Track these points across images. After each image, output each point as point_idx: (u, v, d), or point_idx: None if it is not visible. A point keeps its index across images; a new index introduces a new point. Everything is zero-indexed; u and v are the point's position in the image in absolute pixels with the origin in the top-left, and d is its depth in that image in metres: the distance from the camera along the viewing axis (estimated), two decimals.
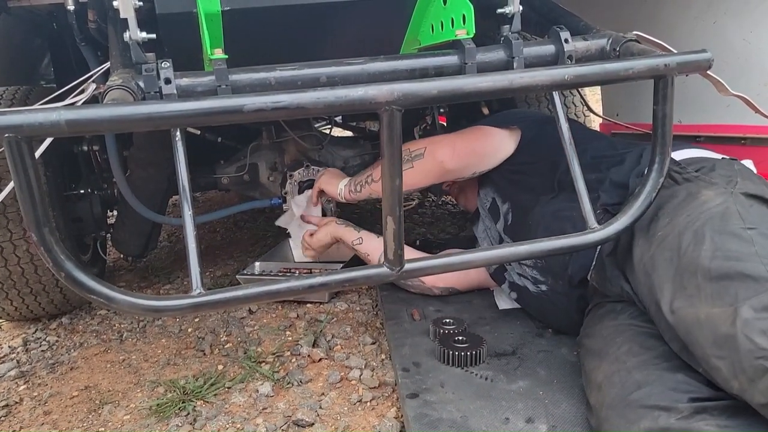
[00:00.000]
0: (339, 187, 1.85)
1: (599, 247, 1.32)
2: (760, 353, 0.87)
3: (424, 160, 1.56)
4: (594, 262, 1.36)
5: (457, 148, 1.58)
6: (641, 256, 1.17)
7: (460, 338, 1.47)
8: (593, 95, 3.73)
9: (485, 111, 2.44)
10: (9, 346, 1.86)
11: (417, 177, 1.59)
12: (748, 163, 1.35)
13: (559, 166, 1.48)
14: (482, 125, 1.65)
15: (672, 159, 1.26)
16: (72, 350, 1.80)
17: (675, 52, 1.16)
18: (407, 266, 1.06)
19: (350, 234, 1.91)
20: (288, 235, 2.23)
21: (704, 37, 1.84)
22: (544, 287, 1.51)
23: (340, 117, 2.90)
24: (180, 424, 1.36)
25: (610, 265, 1.29)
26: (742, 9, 1.76)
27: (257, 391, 1.46)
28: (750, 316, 0.90)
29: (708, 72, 1.14)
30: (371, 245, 1.85)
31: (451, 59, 1.24)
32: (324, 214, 2.10)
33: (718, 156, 1.30)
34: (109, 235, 2.21)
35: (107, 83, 1.05)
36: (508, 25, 1.27)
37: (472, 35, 1.21)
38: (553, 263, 1.45)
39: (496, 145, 1.61)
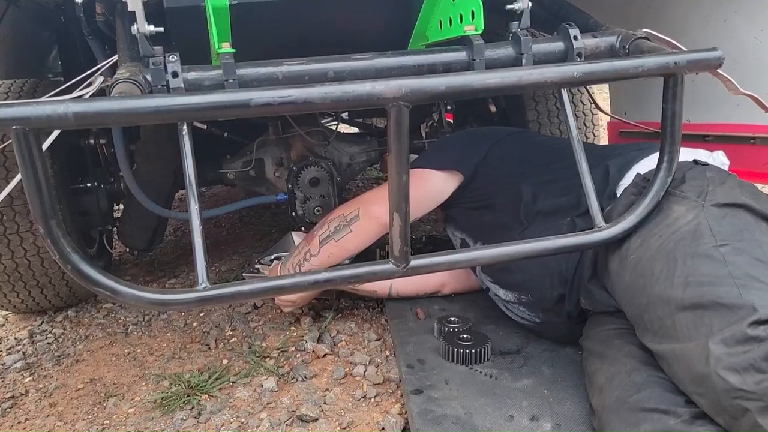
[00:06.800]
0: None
1: (582, 274, 1.30)
2: (736, 393, 0.86)
3: (361, 221, 1.53)
4: (581, 291, 1.34)
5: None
6: (618, 281, 1.16)
7: (465, 336, 1.47)
8: (601, 93, 3.71)
9: (492, 108, 2.43)
10: (15, 338, 1.87)
11: (358, 239, 1.56)
12: (720, 155, 1.32)
13: (522, 195, 1.43)
14: (418, 167, 1.57)
15: (640, 174, 1.24)
16: (78, 343, 1.81)
17: (685, 50, 1.15)
18: (413, 263, 1.06)
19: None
20: (291, 229, 2.22)
21: (714, 35, 1.83)
22: (537, 320, 1.48)
23: (347, 113, 2.90)
24: (184, 418, 1.36)
25: (596, 288, 1.28)
26: (753, 7, 1.75)
27: (262, 385, 1.46)
28: (722, 353, 0.88)
29: (718, 70, 1.13)
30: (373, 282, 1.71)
31: (460, 55, 1.23)
32: None
33: (690, 158, 1.26)
34: (115, 228, 2.22)
35: (115, 76, 1.05)
36: (517, 22, 1.26)
37: (480, 31, 1.20)
38: (542, 300, 1.41)
39: (431, 188, 1.56)
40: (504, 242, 1.26)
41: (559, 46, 1.27)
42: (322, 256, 1.59)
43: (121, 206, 2.20)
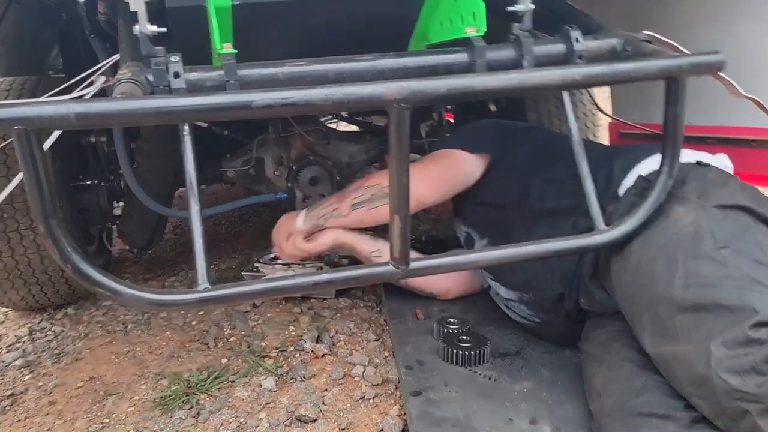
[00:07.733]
0: (298, 223, 1.66)
1: (582, 274, 1.30)
2: (736, 395, 0.86)
3: None
4: (580, 291, 1.33)
5: (435, 180, 1.50)
6: (618, 282, 1.16)
7: (464, 338, 1.47)
8: (602, 94, 3.70)
9: (492, 108, 2.42)
10: (15, 336, 1.87)
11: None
12: (722, 158, 1.32)
13: (529, 193, 1.43)
14: (451, 148, 1.55)
15: (642, 176, 1.24)
16: (77, 341, 1.81)
17: (687, 53, 1.15)
18: (413, 265, 1.06)
19: (366, 244, 1.65)
20: None
21: (717, 38, 1.82)
22: (537, 319, 1.48)
23: (347, 112, 2.90)
24: (183, 417, 1.37)
25: (595, 289, 1.28)
26: (755, 11, 1.75)
27: (260, 385, 1.46)
28: (723, 355, 0.88)
29: (719, 73, 1.13)
30: None
31: (461, 57, 1.22)
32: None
33: (692, 159, 1.26)
34: (115, 226, 2.22)
35: (116, 76, 1.04)
36: (518, 23, 1.26)
37: (482, 33, 1.20)
38: (542, 298, 1.41)
39: (465, 169, 1.54)
40: (508, 242, 1.26)
41: (560, 48, 1.27)
42: (351, 219, 1.57)
43: (121, 204, 2.20)
